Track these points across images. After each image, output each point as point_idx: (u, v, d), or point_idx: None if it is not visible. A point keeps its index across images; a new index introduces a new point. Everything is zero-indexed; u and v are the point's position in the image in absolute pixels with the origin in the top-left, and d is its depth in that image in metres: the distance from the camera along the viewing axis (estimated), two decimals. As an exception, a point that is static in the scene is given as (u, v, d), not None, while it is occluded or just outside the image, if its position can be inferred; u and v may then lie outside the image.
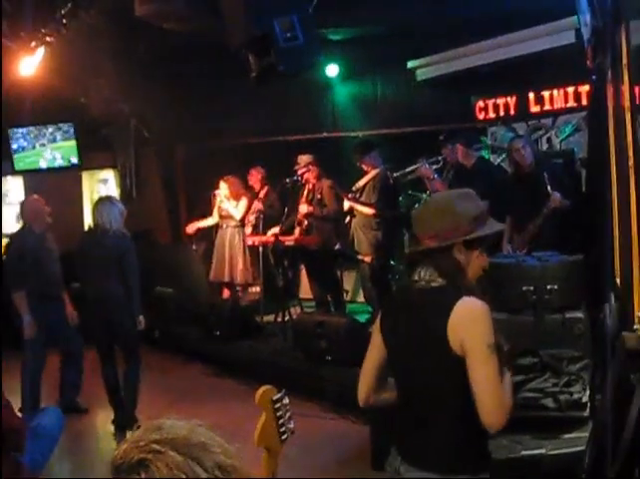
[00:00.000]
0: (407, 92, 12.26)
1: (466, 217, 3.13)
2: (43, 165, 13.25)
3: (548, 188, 7.69)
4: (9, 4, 8.58)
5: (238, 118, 12.58)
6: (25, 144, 13.07)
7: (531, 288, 5.62)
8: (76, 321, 8.31)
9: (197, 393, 8.97)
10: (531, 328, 5.53)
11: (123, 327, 7.66)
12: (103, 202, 7.91)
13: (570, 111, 10.16)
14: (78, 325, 8.34)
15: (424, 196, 10.29)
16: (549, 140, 10.46)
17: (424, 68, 11.80)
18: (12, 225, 11.64)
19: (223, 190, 11.09)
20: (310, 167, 10.22)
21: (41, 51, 9.16)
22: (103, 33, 10.13)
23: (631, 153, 5.11)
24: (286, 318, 9.96)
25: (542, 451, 4.95)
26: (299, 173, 10.23)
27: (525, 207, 7.99)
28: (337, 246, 10.10)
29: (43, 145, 13.06)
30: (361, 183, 10.00)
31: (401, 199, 10.64)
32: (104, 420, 7.91)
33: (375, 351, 3.36)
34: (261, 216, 10.75)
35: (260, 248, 10.60)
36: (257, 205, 11.09)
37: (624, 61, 4.78)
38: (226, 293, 11.68)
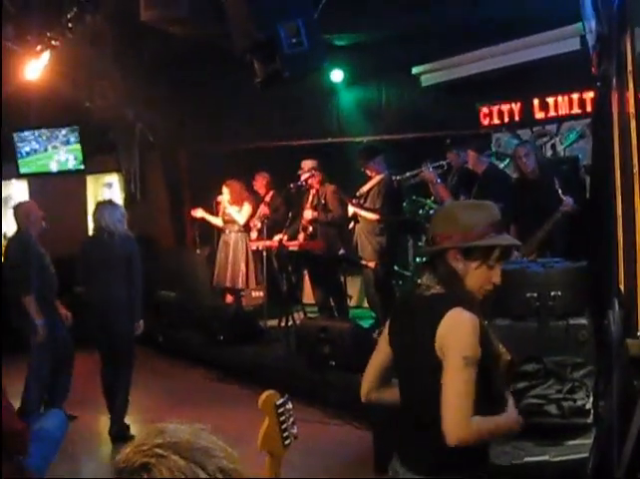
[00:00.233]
0: (411, 98, 12.28)
1: (464, 225, 3.11)
2: (54, 167, 13.22)
3: (559, 192, 7.67)
4: (15, 8, 8.61)
5: (243, 123, 12.61)
6: (37, 146, 13.06)
7: (535, 295, 5.62)
8: (70, 323, 8.29)
9: (200, 397, 8.97)
10: (535, 335, 5.53)
11: (121, 330, 7.66)
12: (104, 205, 7.93)
13: (575, 117, 10.17)
14: (71, 328, 8.32)
15: (427, 201, 10.30)
16: (554, 146, 10.47)
17: (428, 74, 11.81)
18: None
19: (225, 194, 11.08)
20: (314, 172, 10.21)
21: (46, 55, 9.18)
22: (108, 37, 10.16)
23: (636, 160, 5.10)
24: (289, 323, 9.95)
25: (546, 458, 4.95)
26: (303, 178, 10.23)
27: (531, 213, 7.99)
28: (341, 252, 10.10)
29: (55, 147, 13.05)
30: (365, 188, 9.99)
31: (405, 204, 10.64)
32: (104, 423, 7.90)
33: (381, 352, 3.37)
34: (266, 220, 10.76)
35: (264, 253, 10.60)
36: (263, 209, 11.09)
37: (629, 68, 4.77)
38: (229, 298, 11.68)
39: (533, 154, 8.37)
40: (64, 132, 13.01)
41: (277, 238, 10.38)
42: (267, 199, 11.32)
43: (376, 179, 9.90)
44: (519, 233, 7.96)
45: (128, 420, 7.73)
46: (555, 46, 9.90)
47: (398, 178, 9.98)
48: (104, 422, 7.88)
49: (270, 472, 2.47)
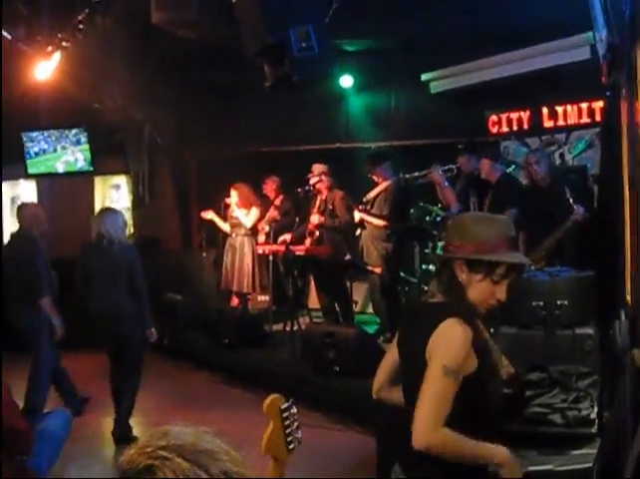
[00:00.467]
0: (420, 104, 12.26)
1: (475, 237, 3.11)
2: (61, 168, 13.21)
3: (570, 201, 7.65)
4: (26, 8, 8.63)
5: (252, 126, 12.61)
6: (46, 146, 13.06)
7: (541, 304, 5.62)
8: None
9: (204, 400, 8.97)
10: (541, 343, 5.53)
11: (126, 338, 7.59)
12: (105, 212, 7.88)
13: (584, 127, 10.16)
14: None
15: (435, 208, 10.29)
16: (562, 155, 10.46)
17: (438, 81, 11.81)
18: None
19: (234, 197, 11.09)
20: (323, 177, 10.22)
21: (57, 56, 9.20)
22: (118, 39, 10.18)
23: (644, 170, 5.09)
24: (295, 328, 9.94)
25: (550, 467, 4.93)
26: (311, 182, 10.23)
27: (540, 221, 7.97)
28: (347, 257, 10.09)
29: (65, 148, 13.05)
30: (372, 194, 9.99)
31: (412, 211, 10.64)
32: (107, 424, 7.90)
33: (392, 353, 3.38)
34: (274, 224, 10.77)
35: (270, 257, 10.61)
36: (272, 212, 11.10)
37: (639, 78, 4.76)
38: (235, 301, 11.68)
39: (544, 161, 8.36)
40: (74, 132, 13.00)
41: (282, 238, 10.41)
42: (277, 202, 11.34)
43: (383, 185, 9.91)
44: (528, 240, 7.95)
45: (131, 422, 7.72)
46: (565, 55, 9.90)
47: (406, 176, 9.97)
48: (107, 423, 7.88)
49: (274, 476, 2.47)
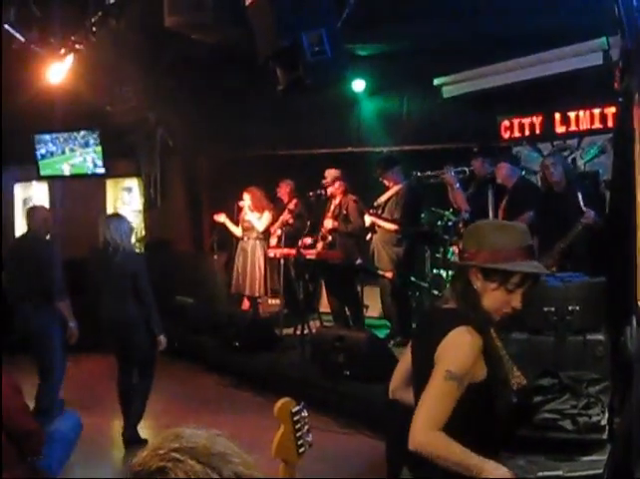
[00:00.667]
0: (433, 109, 12.24)
1: (491, 245, 3.11)
2: (67, 170, 13.25)
3: (581, 204, 7.64)
4: (39, 11, 8.65)
5: (263, 129, 12.63)
6: (54, 148, 13.10)
7: (553, 309, 5.60)
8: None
9: (214, 403, 8.99)
10: (552, 349, 5.51)
11: (140, 348, 7.58)
12: (111, 218, 7.88)
13: (596, 132, 10.13)
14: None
15: (446, 213, 10.28)
16: (574, 161, 10.43)
17: (450, 85, 11.79)
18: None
19: (247, 201, 11.11)
20: (337, 182, 10.22)
21: (70, 58, 9.21)
22: (131, 42, 10.19)
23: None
24: (305, 332, 9.94)
25: (559, 473, 4.92)
26: (329, 191, 10.23)
27: (553, 224, 7.96)
28: (358, 262, 10.09)
29: (73, 150, 13.09)
30: (383, 198, 9.99)
31: (423, 215, 10.63)
32: (117, 426, 7.91)
33: (408, 356, 3.39)
34: (285, 227, 10.77)
35: (282, 261, 10.61)
36: (286, 216, 11.11)
37: (652, 84, 4.76)
38: (246, 305, 11.69)
39: (560, 165, 8.34)
40: (82, 134, 13.03)
41: (301, 242, 10.39)
42: (291, 206, 11.34)
43: (394, 189, 9.91)
44: (541, 244, 7.93)
45: (140, 424, 7.73)
46: (578, 60, 9.87)
47: (418, 174, 9.95)
48: (117, 425, 7.90)
49: (284, 479, 2.47)
